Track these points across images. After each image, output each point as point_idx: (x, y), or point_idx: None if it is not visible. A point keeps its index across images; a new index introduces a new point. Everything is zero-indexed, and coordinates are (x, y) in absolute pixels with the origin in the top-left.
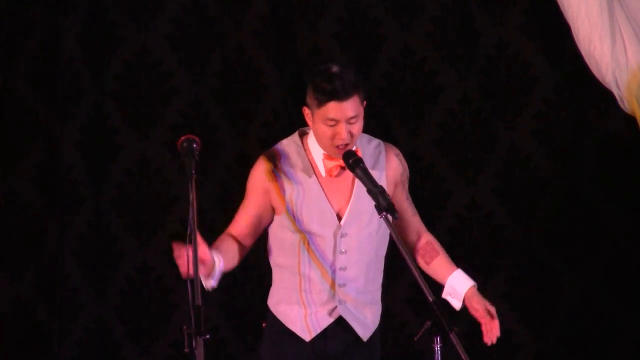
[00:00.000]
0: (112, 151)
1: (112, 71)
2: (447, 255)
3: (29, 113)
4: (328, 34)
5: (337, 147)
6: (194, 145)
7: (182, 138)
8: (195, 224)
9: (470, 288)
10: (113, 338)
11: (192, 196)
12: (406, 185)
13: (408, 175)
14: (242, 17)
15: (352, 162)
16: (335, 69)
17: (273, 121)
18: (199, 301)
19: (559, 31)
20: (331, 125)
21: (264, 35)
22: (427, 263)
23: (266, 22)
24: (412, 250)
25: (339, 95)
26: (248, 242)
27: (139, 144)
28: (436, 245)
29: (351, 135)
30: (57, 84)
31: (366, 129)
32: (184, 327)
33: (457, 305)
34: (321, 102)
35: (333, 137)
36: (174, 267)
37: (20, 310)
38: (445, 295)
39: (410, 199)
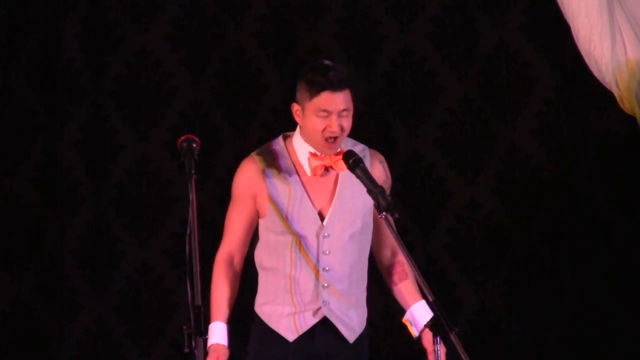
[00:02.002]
0: (112, 151)
1: (112, 71)
2: (415, 281)
3: (29, 113)
4: (328, 34)
5: (327, 139)
6: (194, 145)
7: (182, 138)
8: (196, 224)
9: (429, 321)
10: (113, 338)
11: (192, 196)
12: None
13: (390, 184)
14: (242, 17)
15: (352, 162)
16: (327, 62)
17: (273, 121)
18: (199, 301)
19: (559, 31)
20: (323, 117)
21: (264, 35)
22: (395, 283)
23: (266, 22)
24: (383, 265)
25: (333, 85)
26: (244, 252)
27: (139, 144)
28: (407, 267)
29: (342, 129)
30: (57, 84)
31: (366, 129)
32: (184, 327)
33: (415, 333)
34: (314, 93)
35: (323, 129)
36: (174, 267)
37: (20, 310)
38: (405, 320)
39: None
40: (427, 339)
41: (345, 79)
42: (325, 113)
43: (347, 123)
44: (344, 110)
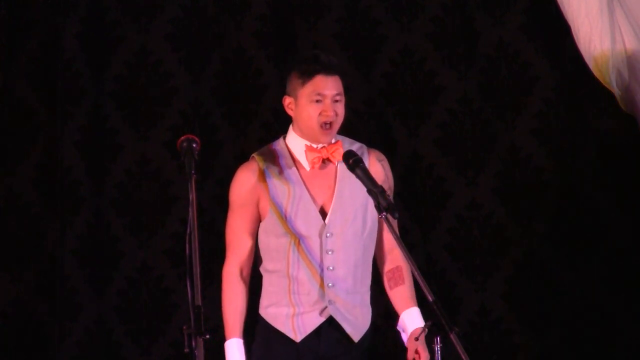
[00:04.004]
0: (112, 151)
1: (112, 71)
2: (412, 286)
3: (29, 113)
4: (328, 34)
5: (322, 126)
6: (194, 145)
7: (182, 138)
8: (195, 224)
9: (417, 328)
10: (113, 338)
11: (192, 196)
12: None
13: (391, 185)
14: (242, 17)
15: (352, 162)
16: (316, 51)
17: (273, 121)
18: (199, 301)
19: (559, 31)
20: (317, 101)
21: (264, 35)
22: (390, 288)
23: (266, 22)
24: (382, 268)
25: (326, 69)
26: (252, 261)
27: (139, 144)
28: (405, 273)
29: (336, 114)
30: (57, 84)
31: (366, 129)
32: (184, 327)
33: (405, 340)
34: (307, 78)
35: (319, 115)
36: (174, 267)
37: (20, 310)
38: (398, 327)
39: None
40: (411, 345)
41: (336, 65)
42: (319, 97)
43: (341, 110)
44: (337, 94)
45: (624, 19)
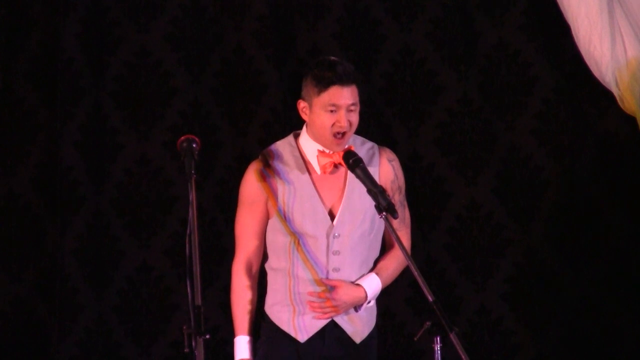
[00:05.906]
0: (112, 151)
1: (112, 71)
2: (392, 266)
3: (29, 113)
4: (328, 34)
5: (335, 135)
6: (194, 145)
7: (182, 138)
8: (196, 224)
9: (359, 285)
10: (113, 338)
11: (192, 196)
12: (396, 195)
13: (401, 184)
14: (242, 17)
15: (352, 162)
16: (334, 58)
17: (273, 121)
18: (199, 301)
19: (559, 31)
20: (331, 111)
21: (264, 35)
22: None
23: (266, 22)
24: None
25: (341, 80)
26: (261, 258)
27: (139, 144)
28: (395, 254)
29: (350, 124)
30: (57, 84)
31: (366, 129)
32: (184, 327)
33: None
34: (322, 88)
35: (332, 124)
36: (174, 267)
37: (20, 310)
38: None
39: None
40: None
41: (353, 74)
42: (333, 107)
43: (355, 118)
44: (352, 104)
45: (624, 19)
